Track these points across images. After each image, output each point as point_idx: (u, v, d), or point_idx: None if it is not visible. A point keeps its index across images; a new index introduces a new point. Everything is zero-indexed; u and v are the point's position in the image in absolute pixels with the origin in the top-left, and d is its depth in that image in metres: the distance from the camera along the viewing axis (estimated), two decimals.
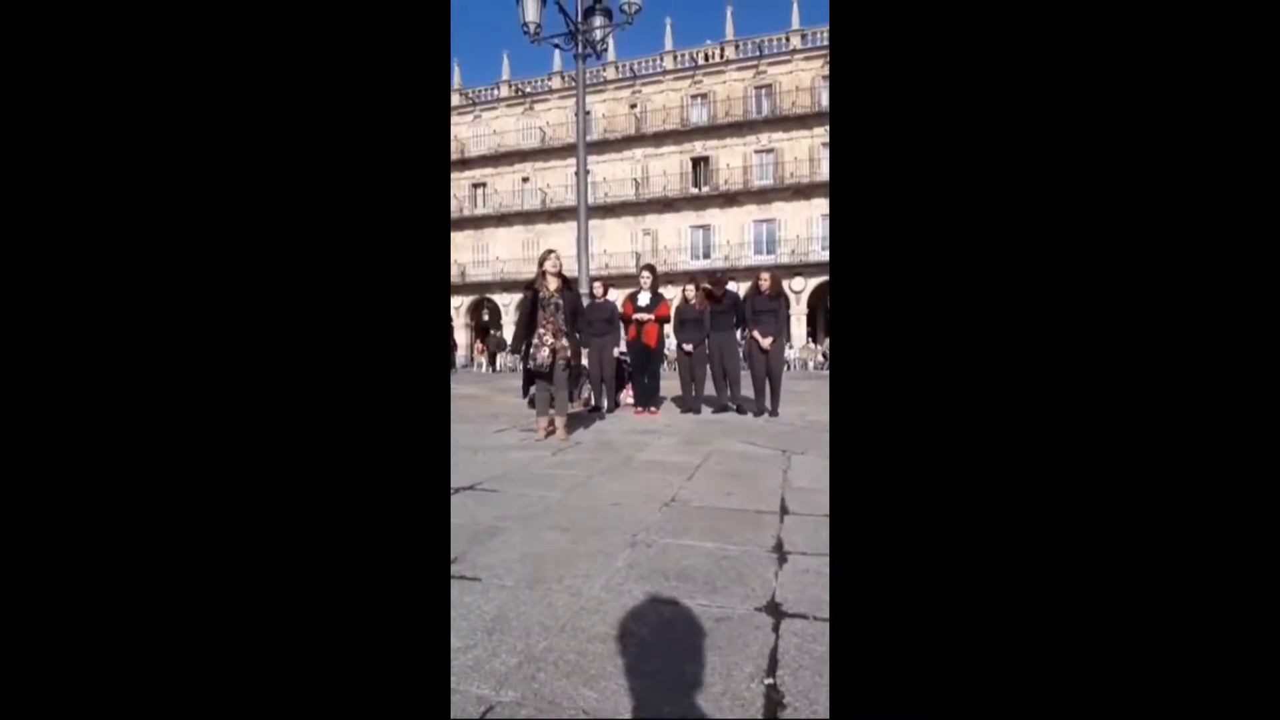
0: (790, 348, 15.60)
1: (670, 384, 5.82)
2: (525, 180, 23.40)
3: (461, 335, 22.54)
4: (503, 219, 23.38)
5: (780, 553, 1.68)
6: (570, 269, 5.89)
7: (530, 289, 3.83)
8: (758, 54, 21.05)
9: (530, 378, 3.89)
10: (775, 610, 1.30)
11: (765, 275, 5.02)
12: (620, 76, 22.45)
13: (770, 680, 1.03)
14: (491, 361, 16.58)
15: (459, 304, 23.25)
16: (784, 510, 2.12)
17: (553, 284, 3.81)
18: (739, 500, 2.27)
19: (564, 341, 3.79)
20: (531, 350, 3.74)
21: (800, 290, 19.56)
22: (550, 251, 3.99)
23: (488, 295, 23.31)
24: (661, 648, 1.15)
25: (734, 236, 20.97)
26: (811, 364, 16.58)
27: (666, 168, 21.81)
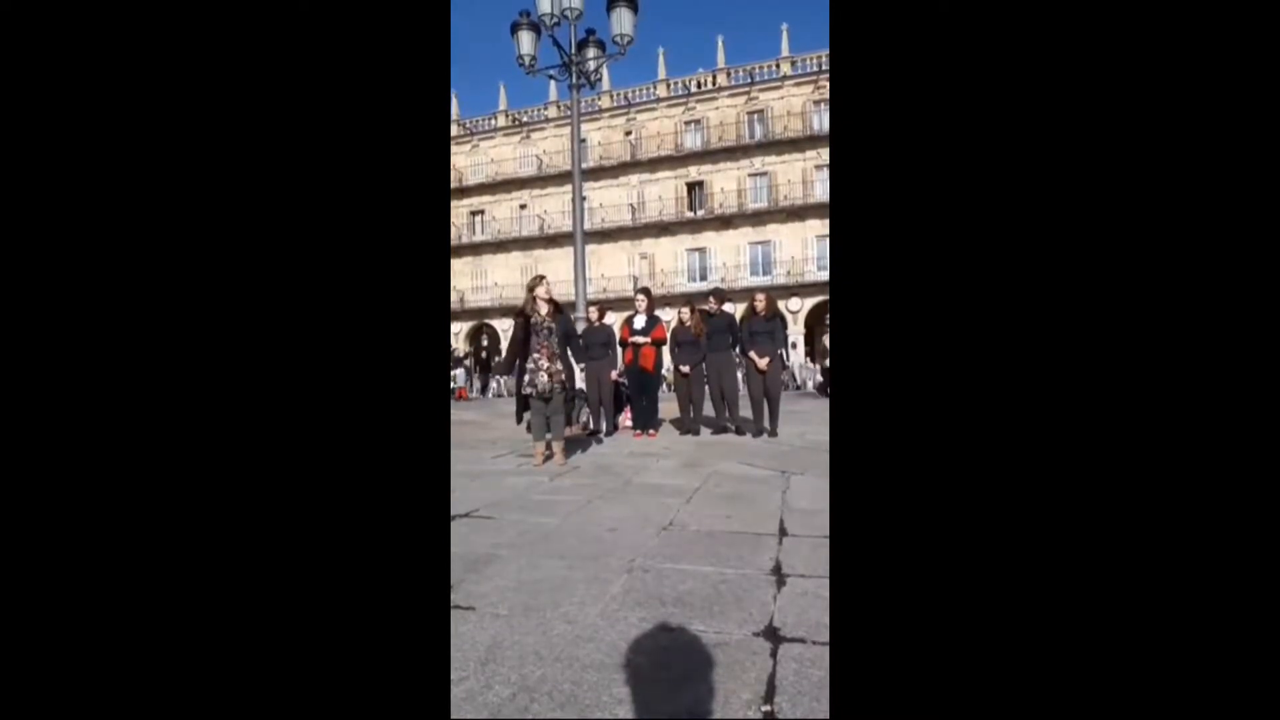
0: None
1: (669, 406, 5.81)
2: (523, 207, 23.65)
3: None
4: (501, 245, 23.55)
5: (779, 575, 1.66)
6: (569, 294, 5.92)
7: (522, 315, 3.85)
8: (749, 80, 21.48)
9: (525, 403, 3.88)
10: (773, 635, 1.29)
11: (761, 296, 5.05)
12: (615, 105, 22.83)
13: (768, 707, 1.02)
14: (484, 389, 16.66)
15: (458, 330, 23.32)
16: (783, 532, 2.10)
17: (544, 309, 3.84)
18: (738, 523, 2.25)
19: (559, 365, 3.80)
20: (528, 376, 3.75)
21: (797, 310, 19.65)
22: (541, 277, 4.02)
23: (486, 321, 23.39)
24: (658, 675, 1.13)
25: (730, 259, 21.13)
26: (811, 383, 16.54)
27: (662, 192, 22.06)
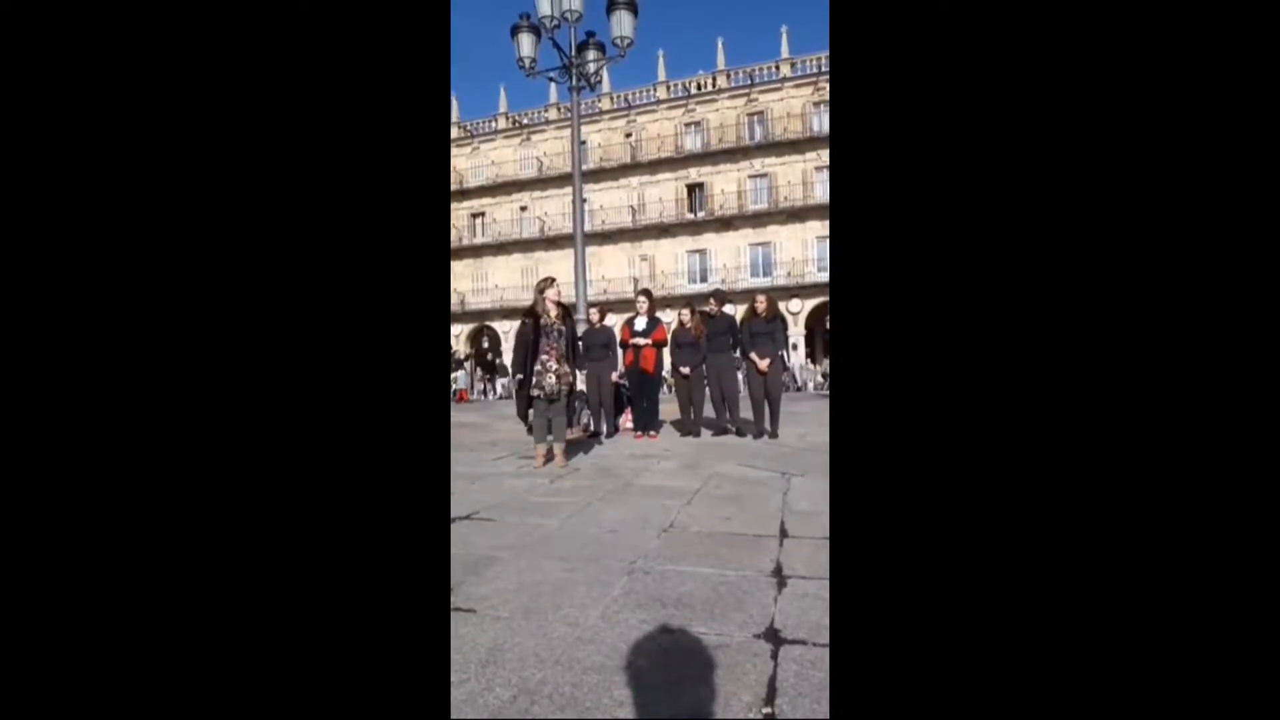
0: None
1: (669, 408, 5.80)
2: (523, 209, 23.66)
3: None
4: (501, 248, 23.57)
5: (779, 577, 1.66)
6: (569, 295, 5.92)
7: (531, 316, 3.85)
8: (749, 82, 21.51)
9: (528, 404, 3.88)
10: (774, 636, 1.28)
11: (761, 298, 5.06)
12: (615, 107, 22.87)
13: (768, 709, 1.01)
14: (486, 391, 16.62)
15: (459, 332, 23.33)
16: (783, 533, 2.10)
17: (554, 311, 3.85)
18: (738, 524, 2.24)
19: (566, 367, 3.81)
20: (536, 377, 3.75)
21: (798, 312, 19.66)
22: (551, 279, 4.02)
23: (487, 323, 23.40)
24: (658, 678, 1.13)
25: (730, 260, 21.14)
26: (812, 384, 16.53)
27: (662, 194, 22.08)
